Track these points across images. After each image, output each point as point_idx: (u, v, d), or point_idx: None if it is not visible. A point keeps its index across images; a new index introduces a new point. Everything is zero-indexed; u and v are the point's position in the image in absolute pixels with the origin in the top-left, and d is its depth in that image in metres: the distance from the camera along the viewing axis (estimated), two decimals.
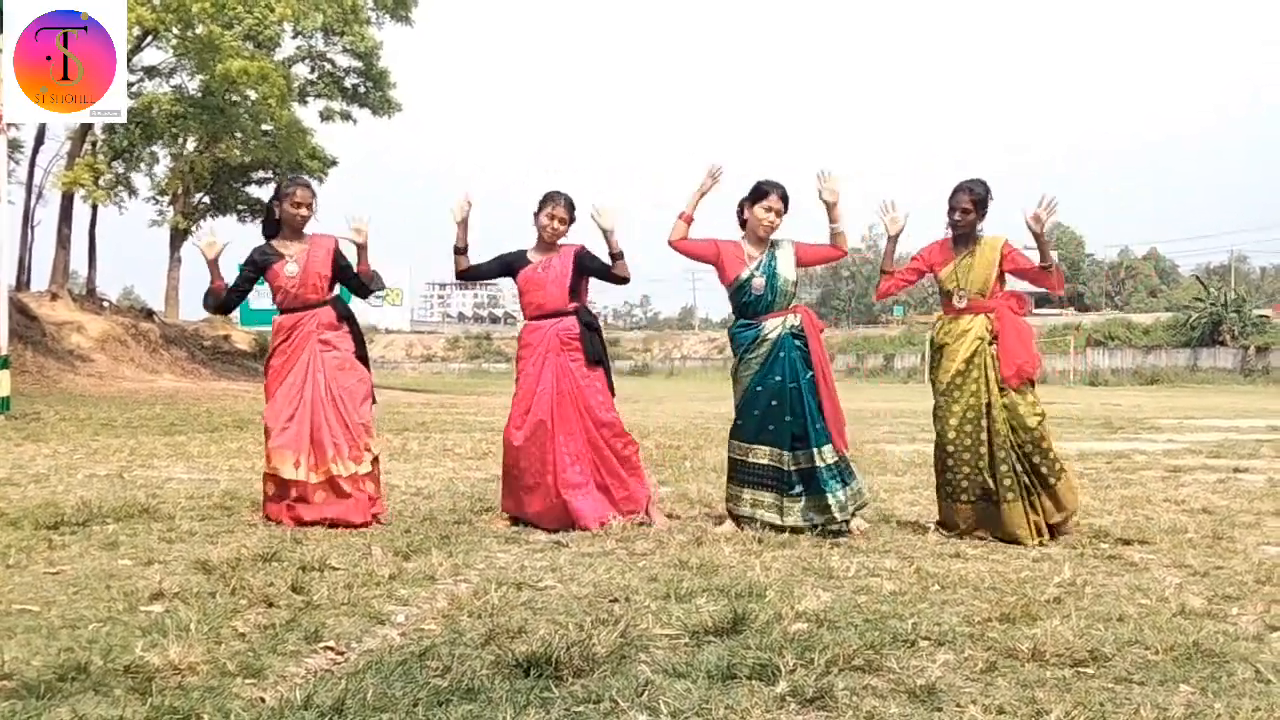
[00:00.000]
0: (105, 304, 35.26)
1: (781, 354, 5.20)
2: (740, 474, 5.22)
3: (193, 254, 39.70)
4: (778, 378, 5.17)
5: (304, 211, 5.41)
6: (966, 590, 3.82)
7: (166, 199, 37.40)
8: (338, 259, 5.47)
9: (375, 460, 5.40)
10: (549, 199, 5.39)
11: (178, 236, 37.26)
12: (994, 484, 5.00)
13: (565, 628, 3.13)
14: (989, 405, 5.08)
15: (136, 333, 29.52)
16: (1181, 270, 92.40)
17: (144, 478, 7.27)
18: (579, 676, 2.70)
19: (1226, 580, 4.05)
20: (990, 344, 5.13)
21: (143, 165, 36.53)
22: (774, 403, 5.16)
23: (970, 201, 5.17)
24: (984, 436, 5.07)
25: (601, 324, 5.72)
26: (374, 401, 5.54)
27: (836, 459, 5.13)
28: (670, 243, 5.36)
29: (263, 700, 2.50)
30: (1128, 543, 4.89)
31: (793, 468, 5.13)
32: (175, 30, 27.10)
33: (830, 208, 5.28)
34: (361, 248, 5.47)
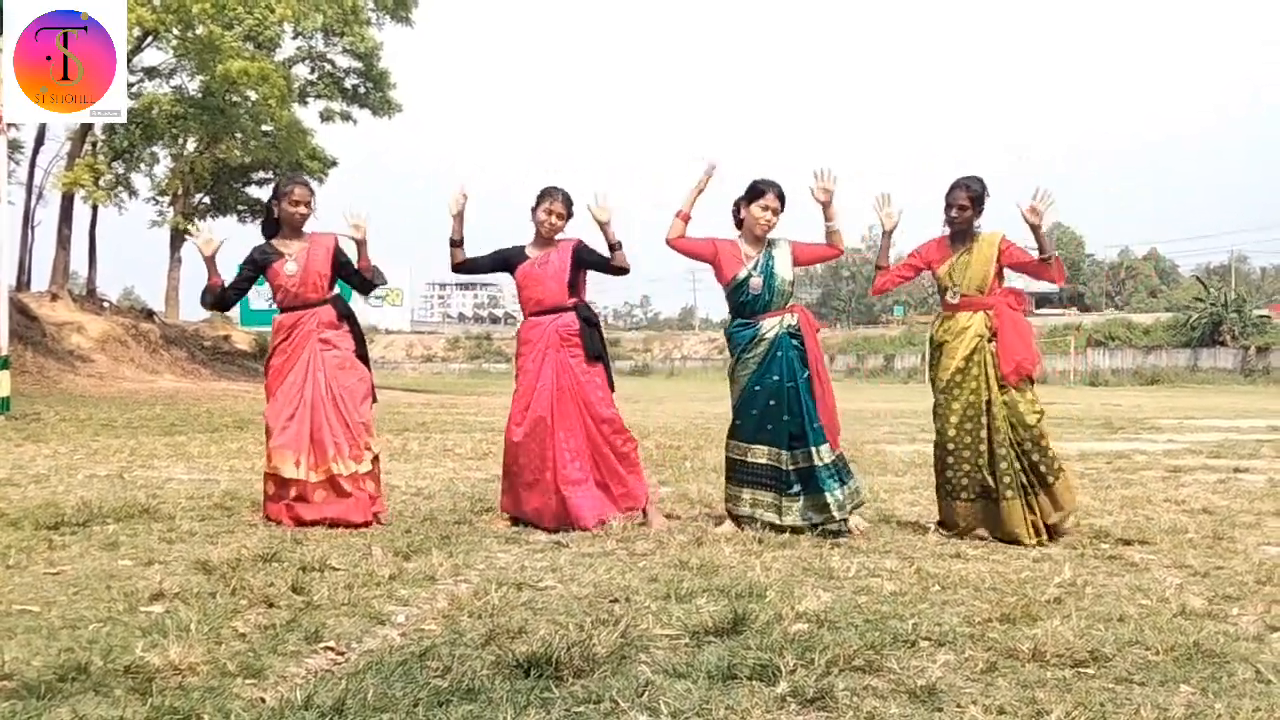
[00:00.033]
0: (105, 304, 35.28)
1: (779, 353, 5.19)
2: (739, 474, 5.23)
3: (193, 254, 38.79)
4: (775, 377, 5.17)
5: (303, 210, 5.41)
6: (967, 590, 3.82)
7: (167, 199, 37.42)
8: (338, 257, 5.47)
9: (375, 459, 5.40)
10: (546, 194, 5.40)
11: (178, 237, 37.22)
12: (993, 481, 5.00)
13: (565, 628, 3.13)
14: (989, 403, 5.07)
15: (137, 333, 29.53)
16: (1182, 270, 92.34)
17: (144, 478, 7.27)
18: (579, 677, 2.70)
19: (1227, 580, 4.05)
20: (990, 341, 5.13)
21: (143, 166, 36.60)
22: (772, 402, 5.16)
23: (967, 198, 5.17)
24: (984, 434, 5.07)
25: (601, 324, 5.72)
26: (374, 400, 5.54)
27: (834, 458, 5.13)
28: (668, 241, 5.36)
29: (263, 700, 2.50)
30: (1128, 543, 4.89)
31: (791, 467, 5.13)
32: (175, 31, 27.14)
33: (824, 207, 5.28)
34: (361, 244, 5.47)
